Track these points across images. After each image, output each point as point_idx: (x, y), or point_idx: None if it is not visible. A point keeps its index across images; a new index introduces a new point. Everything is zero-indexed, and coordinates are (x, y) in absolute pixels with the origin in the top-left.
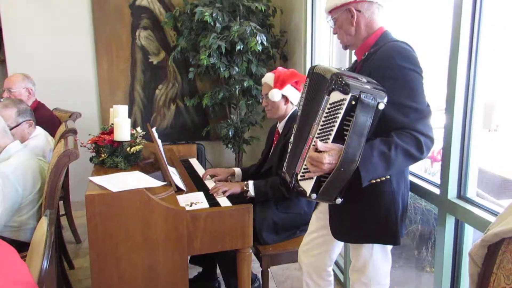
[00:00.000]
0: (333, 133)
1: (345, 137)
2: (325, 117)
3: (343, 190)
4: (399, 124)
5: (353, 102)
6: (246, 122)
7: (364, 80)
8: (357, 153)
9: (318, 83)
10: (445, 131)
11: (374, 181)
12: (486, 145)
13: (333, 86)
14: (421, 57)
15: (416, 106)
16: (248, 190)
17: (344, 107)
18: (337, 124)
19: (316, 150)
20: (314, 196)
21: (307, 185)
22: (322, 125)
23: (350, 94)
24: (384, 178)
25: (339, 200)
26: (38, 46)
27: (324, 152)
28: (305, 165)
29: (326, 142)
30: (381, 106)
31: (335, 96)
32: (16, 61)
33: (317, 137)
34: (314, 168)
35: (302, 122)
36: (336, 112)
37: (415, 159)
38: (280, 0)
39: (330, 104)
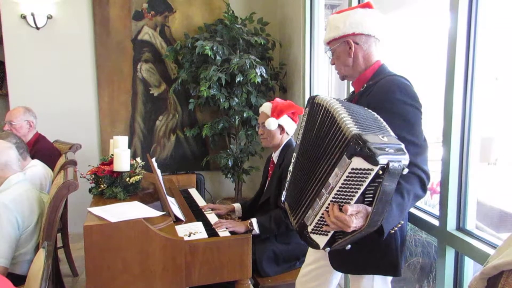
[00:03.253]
0: (355, 199)
1: (366, 199)
2: (345, 180)
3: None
4: None
5: (380, 172)
6: (245, 152)
7: (385, 139)
8: (381, 218)
9: (329, 128)
10: (443, 163)
11: (392, 231)
12: (485, 178)
13: (357, 152)
14: (418, 89)
15: (414, 140)
16: (253, 229)
17: (371, 177)
18: (360, 191)
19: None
20: (328, 249)
21: (321, 240)
22: (341, 187)
23: (379, 166)
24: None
25: (348, 246)
26: (40, 80)
27: (352, 216)
28: (319, 220)
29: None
30: (405, 171)
31: (359, 163)
32: (18, 95)
33: (334, 198)
34: (335, 227)
35: (306, 158)
36: (360, 180)
37: (419, 199)
38: (279, 34)
39: (352, 169)
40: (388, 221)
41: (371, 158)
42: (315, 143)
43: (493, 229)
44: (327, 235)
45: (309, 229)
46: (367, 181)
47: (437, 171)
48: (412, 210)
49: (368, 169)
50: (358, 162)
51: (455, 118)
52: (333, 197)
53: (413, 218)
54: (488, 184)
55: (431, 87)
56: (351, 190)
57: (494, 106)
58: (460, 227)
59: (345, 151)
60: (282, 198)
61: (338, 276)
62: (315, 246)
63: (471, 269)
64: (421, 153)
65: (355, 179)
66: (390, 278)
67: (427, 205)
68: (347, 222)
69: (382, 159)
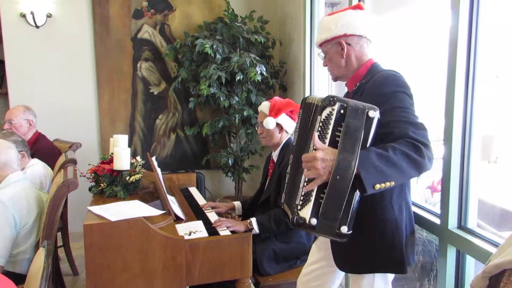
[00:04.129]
0: (325, 145)
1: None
2: (318, 136)
3: (347, 215)
4: (396, 135)
5: (342, 111)
6: (245, 151)
7: (355, 101)
8: (352, 158)
9: (312, 112)
10: (444, 162)
11: (378, 186)
12: (486, 176)
13: (324, 105)
14: (419, 88)
15: (409, 121)
16: (252, 228)
17: (334, 117)
18: (328, 136)
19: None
20: (314, 221)
21: (306, 211)
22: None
23: (338, 104)
24: (389, 185)
25: (345, 229)
26: (40, 79)
27: (318, 150)
28: (304, 190)
29: None
30: (372, 114)
31: (325, 112)
32: (18, 94)
33: None
34: (310, 172)
35: (298, 153)
36: (328, 124)
37: (417, 164)
38: (279, 33)
39: (321, 121)
40: (367, 168)
41: (332, 103)
42: (308, 137)
43: (495, 228)
44: (310, 200)
45: (299, 207)
46: (332, 122)
47: (438, 169)
48: (413, 208)
49: (330, 111)
50: (325, 112)
51: (456, 116)
52: None
53: (414, 217)
54: (489, 183)
55: (432, 85)
56: (322, 138)
57: (495, 104)
58: (461, 226)
59: (318, 112)
60: (282, 200)
61: (340, 276)
62: (303, 223)
63: (473, 268)
64: (418, 129)
65: (324, 127)
66: (391, 277)
67: (428, 203)
68: (313, 153)
69: (342, 101)
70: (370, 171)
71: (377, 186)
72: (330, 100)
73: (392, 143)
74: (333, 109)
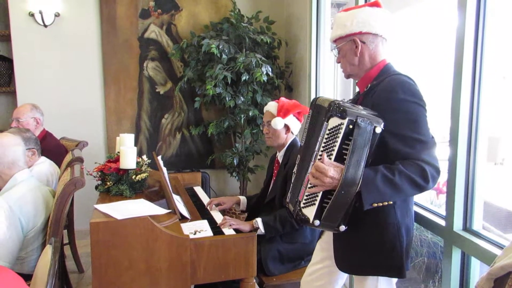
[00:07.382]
0: (332, 157)
1: (345, 161)
2: (324, 142)
3: (346, 217)
4: (404, 155)
5: (351, 126)
6: (250, 151)
7: (361, 107)
8: (357, 176)
9: (319, 114)
10: (450, 163)
11: (375, 204)
12: (492, 178)
13: (331, 113)
14: (425, 89)
15: (420, 138)
16: (258, 228)
17: (342, 131)
18: (336, 148)
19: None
20: (317, 222)
21: (310, 212)
22: (322, 151)
23: (347, 119)
24: (387, 203)
25: (342, 228)
26: (48, 77)
27: (330, 165)
28: (307, 192)
29: None
30: (378, 130)
31: (333, 121)
32: (25, 92)
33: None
34: (316, 180)
35: (305, 153)
36: (335, 136)
37: (420, 188)
38: (285, 33)
39: (329, 129)
40: (369, 188)
41: (341, 115)
42: (313, 139)
43: (500, 230)
44: (314, 204)
45: (301, 204)
46: (340, 136)
47: (443, 171)
48: (418, 209)
49: (339, 124)
50: (333, 122)
51: (462, 117)
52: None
53: (419, 218)
54: (495, 184)
55: (438, 86)
56: (329, 150)
57: (501, 106)
58: (466, 228)
59: (325, 118)
60: (287, 200)
61: (344, 276)
62: (307, 221)
63: (478, 270)
64: (427, 148)
65: (331, 138)
66: (395, 279)
67: (434, 205)
68: (325, 169)
69: (351, 115)
70: (371, 192)
71: (374, 204)
72: (338, 109)
73: (400, 166)
74: (342, 123)
